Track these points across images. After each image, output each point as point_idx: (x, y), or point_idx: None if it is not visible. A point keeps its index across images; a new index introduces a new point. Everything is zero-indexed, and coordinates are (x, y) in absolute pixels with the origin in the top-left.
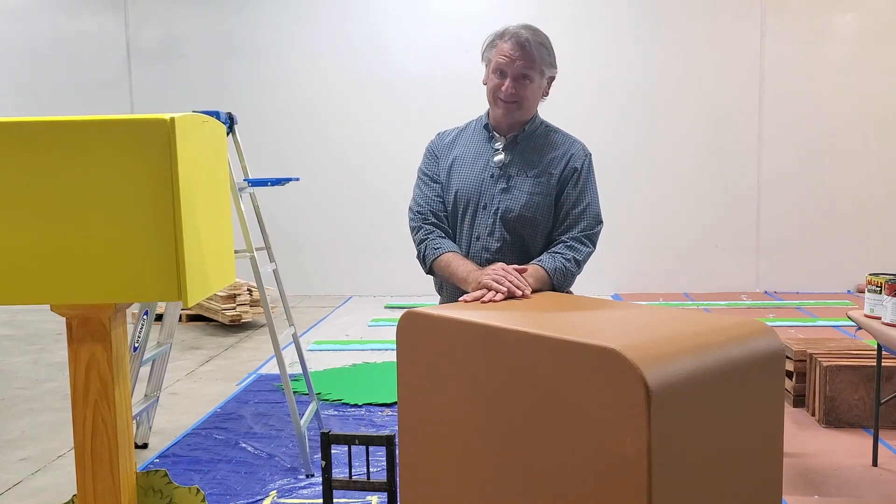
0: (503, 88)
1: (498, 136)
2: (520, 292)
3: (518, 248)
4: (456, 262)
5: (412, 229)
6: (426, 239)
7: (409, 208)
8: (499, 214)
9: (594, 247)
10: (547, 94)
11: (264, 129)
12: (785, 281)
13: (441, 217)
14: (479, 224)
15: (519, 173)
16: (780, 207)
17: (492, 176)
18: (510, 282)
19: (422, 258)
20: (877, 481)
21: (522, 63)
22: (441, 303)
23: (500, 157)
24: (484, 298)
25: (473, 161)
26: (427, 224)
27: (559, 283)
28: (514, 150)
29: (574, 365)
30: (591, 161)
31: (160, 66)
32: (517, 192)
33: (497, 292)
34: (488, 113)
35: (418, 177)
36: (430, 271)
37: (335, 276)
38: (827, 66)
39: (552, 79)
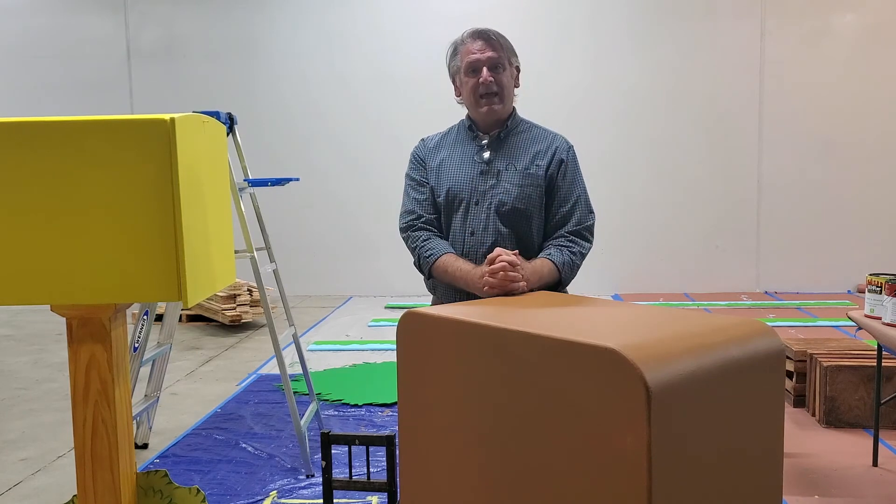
0: (482, 81)
1: (482, 134)
2: (518, 286)
3: (513, 241)
4: (453, 264)
5: (404, 238)
6: (417, 246)
7: (400, 215)
8: (492, 209)
9: (592, 241)
10: (518, 84)
11: (264, 129)
12: (785, 281)
13: (431, 220)
14: (472, 220)
15: (507, 168)
16: (780, 207)
17: (481, 172)
18: (508, 281)
19: (418, 266)
20: (877, 481)
21: (492, 52)
22: (434, 302)
23: (486, 153)
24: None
25: (461, 160)
26: (416, 231)
27: (566, 276)
28: (499, 147)
29: (574, 365)
30: (574, 153)
31: (160, 66)
32: (508, 186)
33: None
34: (469, 116)
35: (406, 183)
36: (430, 276)
37: (335, 276)
38: (827, 66)
39: (518, 69)
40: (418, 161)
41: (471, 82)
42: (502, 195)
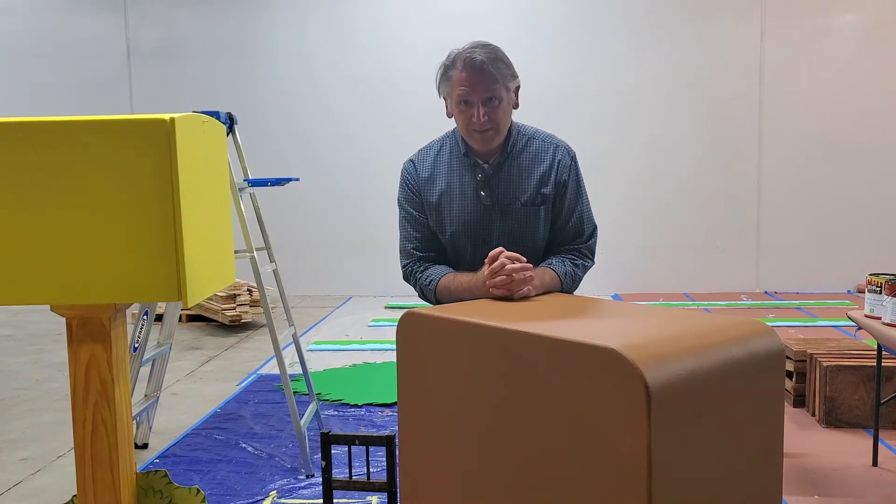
0: (474, 120)
1: (480, 162)
2: (524, 279)
3: None
4: (454, 281)
5: (405, 278)
6: (417, 280)
7: (400, 252)
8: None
9: (594, 261)
10: (517, 105)
11: (264, 129)
12: (785, 281)
13: (431, 257)
14: (481, 259)
15: (512, 202)
16: (780, 207)
17: (485, 210)
18: (514, 280)
19: (424, 297)
20: (877, 481)
21: (485, 86)
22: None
23: (488, 189)
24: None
25: (462, 197)
26: (414, 267)
27: (568, 287)
28: (501, 176)
29: (574, 365)
30: (576, 163)
31: (160, 66)
32: (514, 224)
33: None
34: (463, 138)
35: (400, 214)
36: (437, 302)
37: (335, 276)
38: (827, 66)
39: (518, 88)
40: (412, 191)
41: (463, 116)
42: (510, 235)
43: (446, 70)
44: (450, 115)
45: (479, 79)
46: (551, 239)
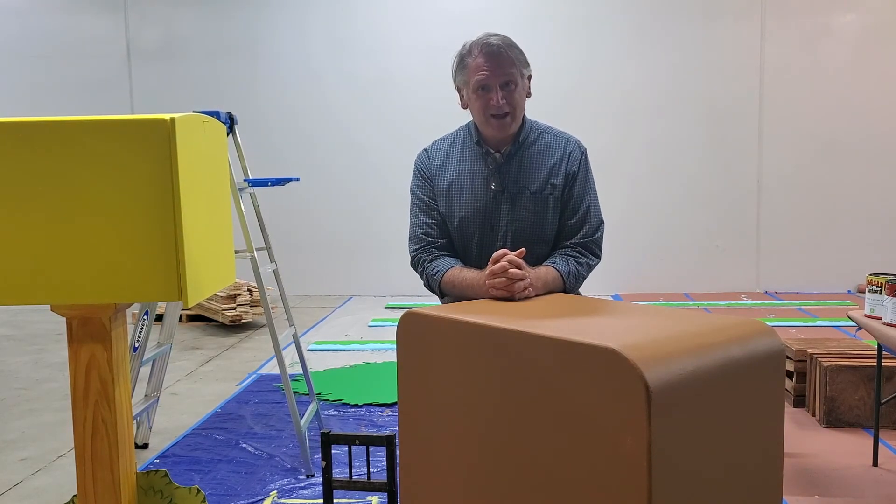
0: (493, 103)
1: (492, 151)
2: (523, 285)
3: (531, 264)
4: (459, 275)
5: (412, 264)
6: (424, 269)
7: (409, 238)
8: (508, 237)
9: (600, 256)
10: (530, 94)
11: (264, 129)
12: (785, 281)
13: (441, 245)
14: (488, 246)
15: (521, 190)
16: (780, 207)
17: (494, 197)
18: (513, 283)
19: (429, 287)
20: (877, 481)
21: (502, 70)
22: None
23: (498, 176)
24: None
25: (472, 183)
26: (423, 254)
27: (571, 286)
28: (512, 165)
29: (574, 365)
30: (586, 158)
31: (160, 66)
32: (523, 212)
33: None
34: (476, 128)
35: (412, 201)
36: (442, 294)
37: (335, 276)
38: (827, 66)
39: (530, 77)
40: (424, 178)
41: (480, 101)
42: (519, 223)
43: (462, 59)
44: (464, 107)
45: (497, 63)
46: (558, 231)
